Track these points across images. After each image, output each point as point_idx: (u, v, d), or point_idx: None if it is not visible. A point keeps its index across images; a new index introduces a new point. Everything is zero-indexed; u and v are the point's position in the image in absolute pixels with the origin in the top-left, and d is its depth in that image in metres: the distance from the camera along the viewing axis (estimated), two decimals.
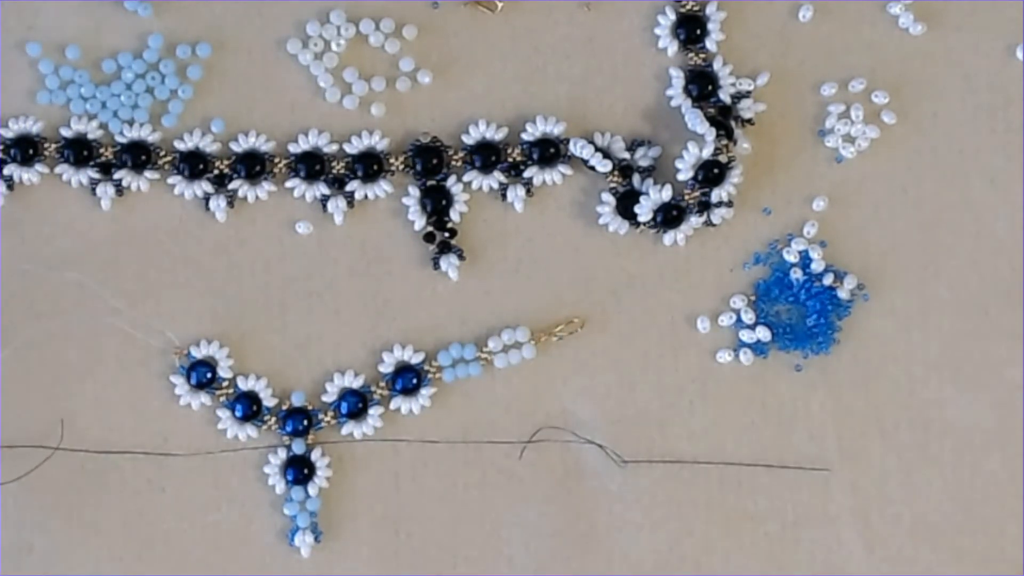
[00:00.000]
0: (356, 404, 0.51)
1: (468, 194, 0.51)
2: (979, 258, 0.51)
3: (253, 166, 0.50)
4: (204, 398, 0.50)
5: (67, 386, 0.50)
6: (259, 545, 0.51)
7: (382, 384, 0.51)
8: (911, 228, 0.51)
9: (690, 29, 0.50)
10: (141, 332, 0.50)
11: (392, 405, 0.51)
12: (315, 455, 0.51)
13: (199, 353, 0.50)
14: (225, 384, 0.50)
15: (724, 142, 0.49)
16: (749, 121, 0.50)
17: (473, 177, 0.51)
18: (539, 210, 0.51)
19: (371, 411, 0.51)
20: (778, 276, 0.51)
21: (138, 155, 0.50)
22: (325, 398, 0.51)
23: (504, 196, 0.51)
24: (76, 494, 0.50)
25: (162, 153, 0.50)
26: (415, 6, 0.51)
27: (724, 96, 0.50)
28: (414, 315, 0.51)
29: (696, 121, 0.49)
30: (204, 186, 0.50)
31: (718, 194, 0.50)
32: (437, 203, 0.50)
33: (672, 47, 0.51)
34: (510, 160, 0.51)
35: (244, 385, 0.51)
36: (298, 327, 0.51)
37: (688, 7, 0.50)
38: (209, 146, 0.50)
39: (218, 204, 0.50)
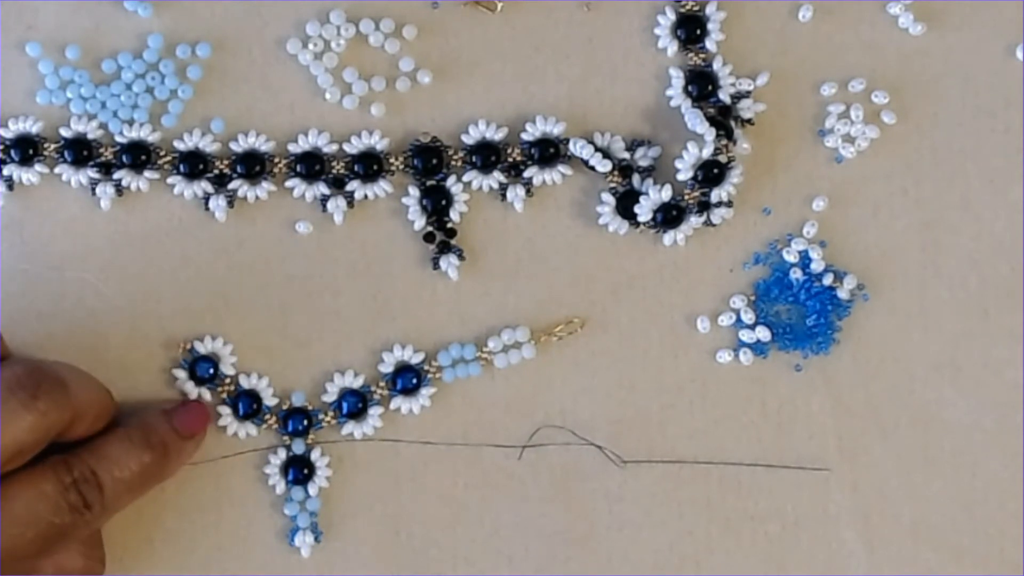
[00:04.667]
0: (356, 404, 0.51)
1: (468, 194, 0.51)
2: (979, 258, 0.51)
3: (253, 166, 0.50)
4: (205, 394, 0.50)
5: None
6: (259, 545, 0.51)
7: (382, 384, 0.51)
8: (911, 228, 0.51)
9: (690, 29, 0.50)
10: (143, 329, 0.50)
11: (392, 405, 0.51)
12: (315, 455, 0.51)
13: (203, 348, 0.50)
14: (227, 381, 0.50)
15: (724, 142, 0.49)
16: (749, 121, 0.50)
17: (473, 177, 0.51)
18: (539, 210, 0.51)
19: (371, 411, 0.51)
20: (778, 276, 0.51)
21: (138, 155, 0.50)
22: (325, 398, 0.51)
23: (504, 196, 0.51)
24: None
25: (162, 153, 0.50)
26: (415, 6, 0.51)
27: (724, 96, 0.50)
28: (414, 315, 0.51)
29: (696, 121, 0.49)
30: (204, 186, 0.50)
31: (718, 194, 0.50)
32: (437, 203, 0.50)
33: (672, 47, 0.51)
34: (510, 160, 0.51)
35: (245, 383, 0.51)
36: (298, 327, 0.51)
37: (688, 7, 0.51)
38: (209, 146, 0.50)
39: (218, 204, 0.50)
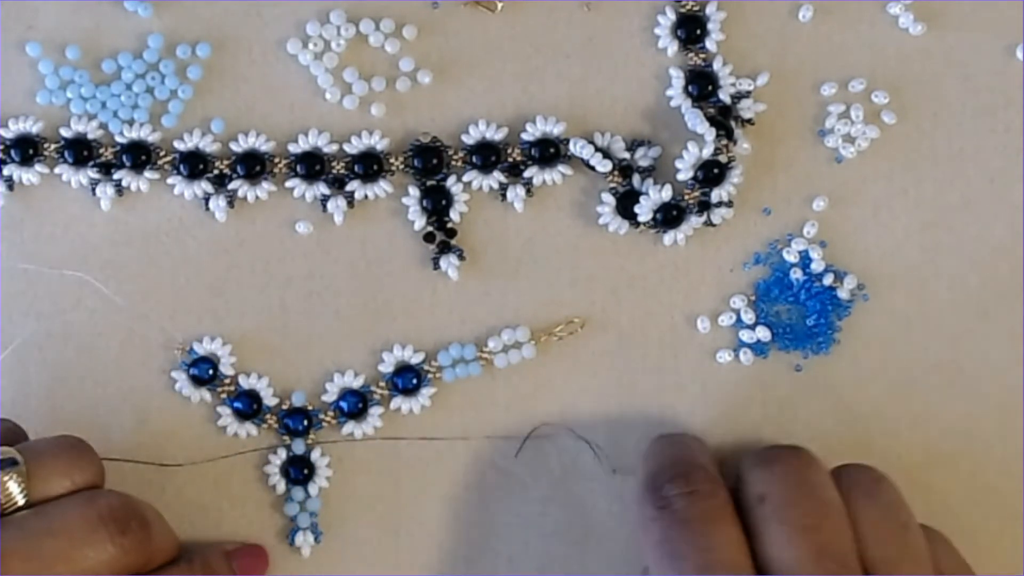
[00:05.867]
0: (356, 404, 0.51)
1: (468, 194, 0.51)
2: (979, 258, 0.51)
3: (253, 166, 0.50)
4: (205, 394, 0.50)
5: (68, 386, 0.50)
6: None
7: (382, 384, 0.51)
8: (911, 228, 0.51)
9: (690, 29, 0.50)
10: (142, 329, 0.50)
11: (392, 405, 0.51)
12: (315, 455, 0.51)
13: (201, 350, 0.50)
14: (227, 381, 0.50)
15: (724, 142, 0.49)
16: (749, 121, 0.50)
17: (473, 177, 0.51)
18: (539, 210, 0.51)
19: (371, 411, 0.51)
20: (778, 276, 0.51)
21: (138, 155, 0.50)
22: (325, 398, 0.51)
23: (504, 196, 0.51)
24: None
25: (162, 153, 0.50)
26: (415, 6, 0.51)
27: (724, 96, 0.50)
28: (414, 315, 0.51)
29: (696, 121, 0.49)
30: (204, 186, 0.50)
31: (718, 194, 0.50)
32: (437, 203, 0.50)
33: (672, 47, 0.51)
34: (510, 160, 0.51)
35: (245, 383, 0.51)
36: (298, 327, 0.51)
37: (688, 7, 0.51)
38: (209, 146, 0.50)
39: (218, 204, 0.50)
